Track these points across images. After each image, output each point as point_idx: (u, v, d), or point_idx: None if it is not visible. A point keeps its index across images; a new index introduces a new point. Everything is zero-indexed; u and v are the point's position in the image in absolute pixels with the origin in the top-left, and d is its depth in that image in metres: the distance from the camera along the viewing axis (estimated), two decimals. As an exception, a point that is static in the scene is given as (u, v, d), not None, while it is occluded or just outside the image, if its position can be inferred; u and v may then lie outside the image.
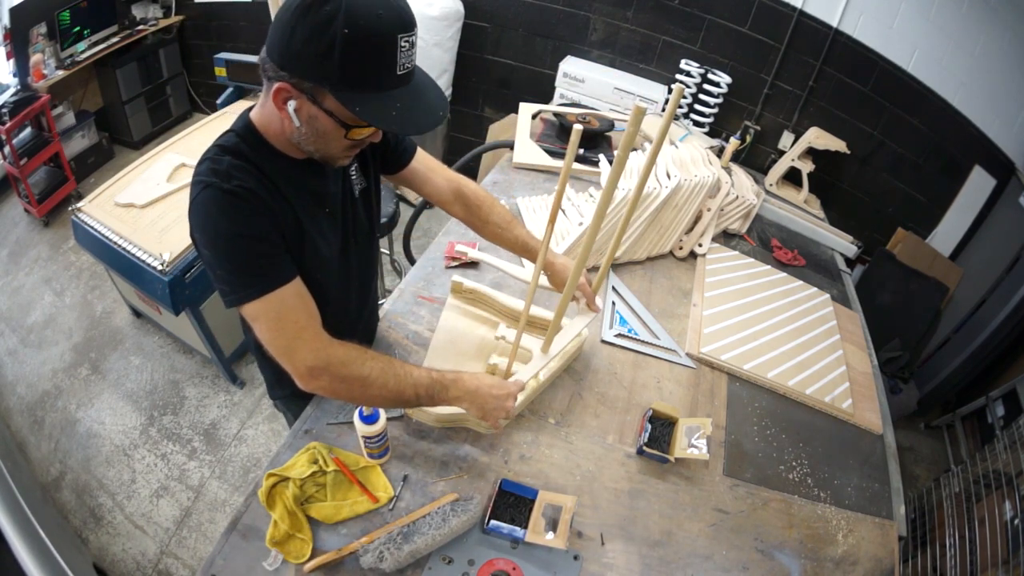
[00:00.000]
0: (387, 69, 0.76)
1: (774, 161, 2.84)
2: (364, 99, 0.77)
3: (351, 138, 0.85)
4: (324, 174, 0.97)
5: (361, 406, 1.02)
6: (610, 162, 2.06)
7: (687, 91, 2.95)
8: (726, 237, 2.14)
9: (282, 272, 0.88)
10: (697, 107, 2.97)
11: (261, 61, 0.80)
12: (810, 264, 2.15)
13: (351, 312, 1.21)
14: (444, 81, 3.33)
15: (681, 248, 1.93)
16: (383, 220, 2.13)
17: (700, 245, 1.95)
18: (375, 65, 0.75)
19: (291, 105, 0.80)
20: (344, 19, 0.70)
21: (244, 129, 0.90)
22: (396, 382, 0.95)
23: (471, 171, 2.88)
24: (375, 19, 0.72)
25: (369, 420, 1.01)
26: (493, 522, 1.04)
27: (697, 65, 2.94)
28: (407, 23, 0.75)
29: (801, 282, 1.98)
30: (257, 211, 0.85)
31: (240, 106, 2.78)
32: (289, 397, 1.31)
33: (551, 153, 2.24)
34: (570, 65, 3.08)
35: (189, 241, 1.99)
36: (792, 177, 2.74)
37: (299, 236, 0.94)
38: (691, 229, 1.98)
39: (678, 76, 3.00)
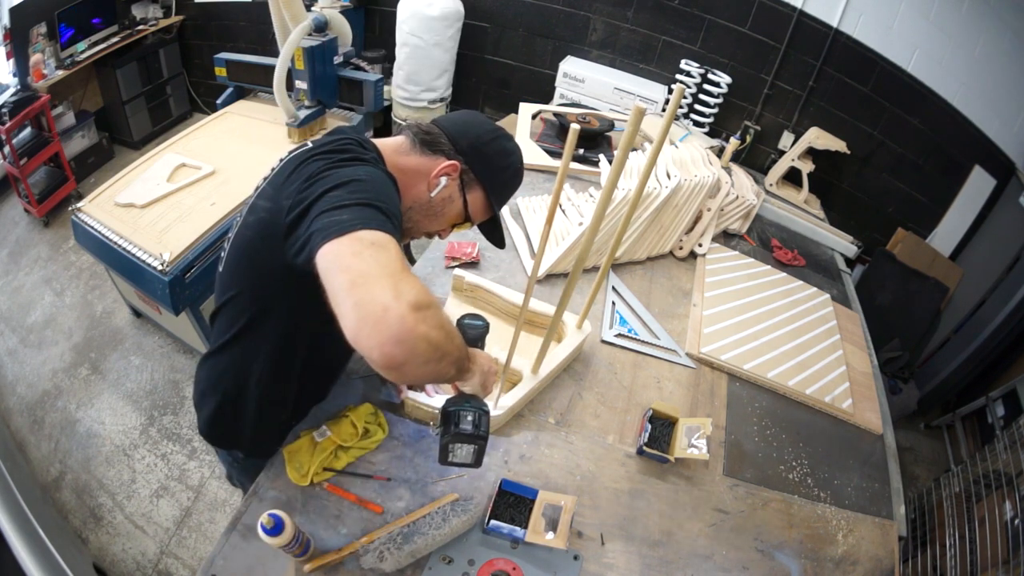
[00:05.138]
0: (508, 199, 1.08)
1: (774, 161, 2.84)
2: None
3: (452, 226, 1.05)
4: None
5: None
6: (610, 162, 2.06)
7: (687, 91, 2.96)
8: (726, 237, 2.14)
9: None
10: (697, 107, 2.97)
11: (434, 135, 0.98)
12: (810, 264, 2.15)
13: None
14: (444, 81, 3.33)
15: (681, 248, 1.93)
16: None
17: (700, 245, 1.95)
18: (510, 194, 1.08)
19: (444, 180, 0.97)
20: (518, 157, 1.04)
21: (380, 159, 0.92)
22: (460, 338, 0.84)
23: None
24: (521, 173, 1.07)
25: (274, 532, 0.87)
26: (493, 522, 1.04)
27: (697, 65, 2.94)
28: None
29: (801, 282, 1.98)
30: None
31: (240, 106, 2.78)
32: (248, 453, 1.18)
33: (551, 153, 2.24)
34: (570, 65, 3.08)
35: (189, 241, 2.02)
36: (792, 177, 2.74)
37: None
38: (691, 229, 1.98)
39: (678, 76, 3.00)
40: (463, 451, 0.93)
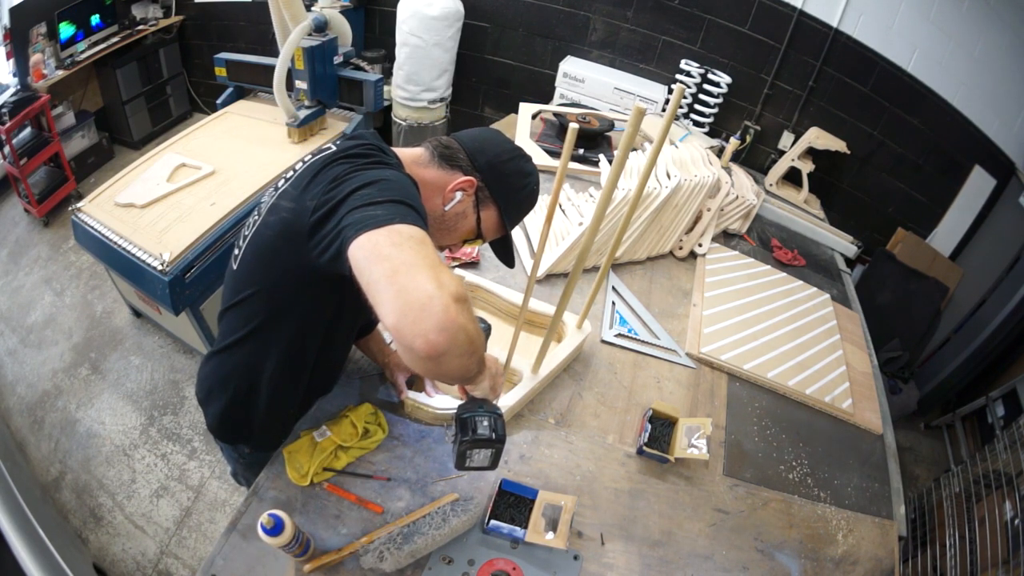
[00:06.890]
0: (521, 220, 1.09)
1: (774, 161, 2.84)
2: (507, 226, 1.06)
3: (464, 240, 1.05)
4: None
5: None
6: (610, 162, 2.06)
7: (687, 91, 2.96)
8: (726, 237, 2.14)
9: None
10: (697, 107, 2.97)
11: (453, 150, 0.99)
12: (810, 264, 2.15)
13: None
14: (444, 81, 3.33)
15: (681, 248, 1.93)
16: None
17: (700, 245, 1.95)
18: (524, 215, 1.09)
19: (459, 195, 0.97)
20: (534, 179, 1.05)
21: (401, 166, 0.92)
22: (483, 336, 0.86)
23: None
24: (536, 195, 1.07)
25: (274, 532, 0.88)
26: (493, 522, 1.04)
27: (697, 65, 2.94)
28: None
29: (801, 282, 1.98)
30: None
31: (240, 106, 2.78)
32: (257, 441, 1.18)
33: (551, 153, 2.24)
34: (570, 65, 3.08)
35: (189, 241, 2.02)
36: (792, 177, 2.74)
37: None
38: (691, 229, 1.98)
39: (678, 76, 3.00)
40: (480, 455, 0.94)
